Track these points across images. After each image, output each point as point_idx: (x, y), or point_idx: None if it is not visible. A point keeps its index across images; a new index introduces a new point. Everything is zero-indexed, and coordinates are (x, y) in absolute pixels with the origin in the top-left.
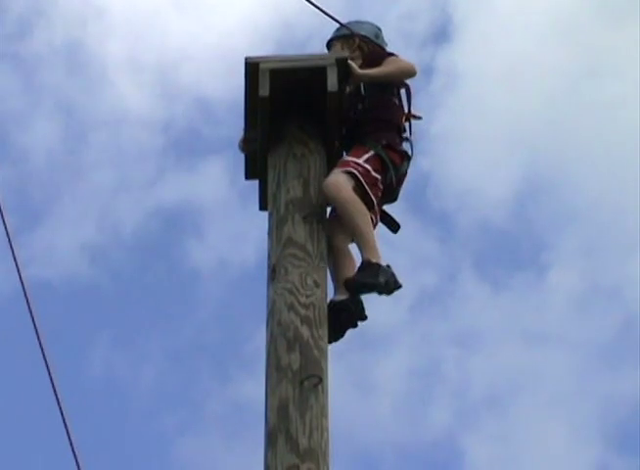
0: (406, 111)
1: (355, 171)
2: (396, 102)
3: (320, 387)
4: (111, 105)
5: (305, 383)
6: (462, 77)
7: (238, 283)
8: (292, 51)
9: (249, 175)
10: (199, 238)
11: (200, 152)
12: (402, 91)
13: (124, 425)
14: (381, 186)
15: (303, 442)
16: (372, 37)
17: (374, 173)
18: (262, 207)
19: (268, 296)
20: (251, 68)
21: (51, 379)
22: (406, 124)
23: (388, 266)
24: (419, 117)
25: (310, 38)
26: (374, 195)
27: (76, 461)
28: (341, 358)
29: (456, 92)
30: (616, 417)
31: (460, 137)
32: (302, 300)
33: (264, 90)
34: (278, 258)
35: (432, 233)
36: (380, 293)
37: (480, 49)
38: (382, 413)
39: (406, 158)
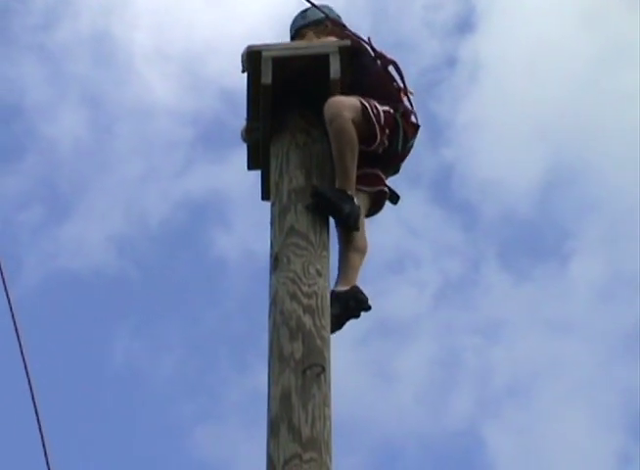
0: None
1: (368, 106)
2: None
3: (323, 376)
4: (137, 95)
5: (308, 372)
6: (486, 67)
7: (263, 273)
8: None
9: (251, 166)
10: (225, 228)
11: (226, 143)
12: (390, 68)
13: (143, 412)
14: (386, 142)
15: (306, 431)
16: (336, 18)
17: (383, 124)
18: (265, 196)
19: (270, 285)
20: (254, 56)
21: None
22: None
23: (359, 207)
24: (411, 94)
25: None
26: (379, 137)
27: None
28: (362, 348)
29: (480, 82)
30: (638, 407)
31: (484, 127)
32: (305, 289)
33: (267, 78)
34: (280, 247)
35: (456, 223)
36: (337, 222)
37: (504, 39)
38: (403, 403)
39: (416, 132)
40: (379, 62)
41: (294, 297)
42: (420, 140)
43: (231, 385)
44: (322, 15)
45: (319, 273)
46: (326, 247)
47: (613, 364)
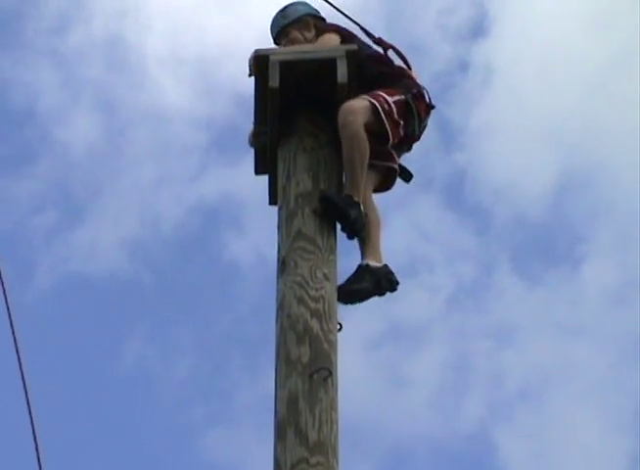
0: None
1: (379, 106)
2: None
3: (330, 380)
4: (151, 100)
5: (315, 376)
6: (498, 72)
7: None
8: None
9: (258, 170)
10: (238, 232)
11: (240, 147)
12: (390, 52)
13: (155, 415)
14: (401, 132)
15: (313, 435)
16: (315, 12)
17: (396, 117)
18: (272, 201)
19: (278, 289)
20: (261, 59)
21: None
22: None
23: (366, 215)
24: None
25: None
26: (393, 136)
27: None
28: (374, 351)
29: (492, 87)
30: None
31: (496, 131)
32: (312, 293)
33: (274, 81)
34: (288, 251)
35: (468, 227)
36: (343, 227)
37: (516, 43)
38: (415, 407)
39: (430, 111)
40: (376, 48)
41: (301, 301)
42: (432, 145)
43: (242, 388)
44: (303, 11)
45: (326, 277)
46: (333, 251)
47: (624, 368)
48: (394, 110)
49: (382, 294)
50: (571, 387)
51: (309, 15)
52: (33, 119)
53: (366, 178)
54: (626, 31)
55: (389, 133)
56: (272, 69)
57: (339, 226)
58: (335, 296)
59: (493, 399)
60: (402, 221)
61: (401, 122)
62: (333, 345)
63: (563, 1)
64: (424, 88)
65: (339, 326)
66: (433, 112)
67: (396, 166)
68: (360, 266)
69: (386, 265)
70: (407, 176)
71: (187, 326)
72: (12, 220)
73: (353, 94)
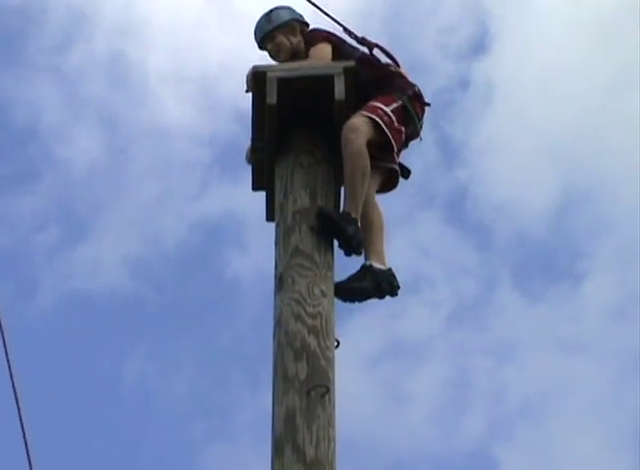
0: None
1: (379, 120)
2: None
3: (327, 397)
4: (153, 117)
5: (312, 393)
6: (499, 89)
7: None
8: None
9: (255, 186)
10: (240, 249)
11: (242, 164)
12: (376, 51)
13: (155, 432)
14: (403, 137)
15: (310, 452)
16: (300, 17)
17: (397, 125)
18: (269, 217)
19: (275, 306)
20: (259, 76)
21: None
22: None
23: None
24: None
25: None
26: (396, 142)
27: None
28: (375, 368)
29: (493, 104)
30: None
31: (497, 149)
32: (309, 310)
33: (272, 98)
34: (285, 267)
35: (470, 243)
36: (341, 244)
37: (517, 60)
38: (415, 423)
39: (425, 108)
40: (362, 49)
41: (298, 317)
42: (434, 161)
43: (242, 405)
44: (287, 16)
45: (324, 294)
46: (331, 267)
47: (625, 384)
48: (394, 119)
49: (381, 296)
50: (571, 403)
51: (294, 19)
52: (36, 137)
53: (370, 180)
54: (626, 49)
55: (393, 143)
56: (269, 85)
57: (336, 243)
58: (332, 312)
59: (494, 416)
60: (404, 238)
61: (402, 129)
62: (330, 361)
63: (563, 19)
64: (416, 86)
65: (336, 343)
66: (430, 110)
67: (397, 167)
68: (363, 266)
69: (390, 269)
70: (405, 173)
71: (187, 343)
72: (14, 237)
73: (351, 110)
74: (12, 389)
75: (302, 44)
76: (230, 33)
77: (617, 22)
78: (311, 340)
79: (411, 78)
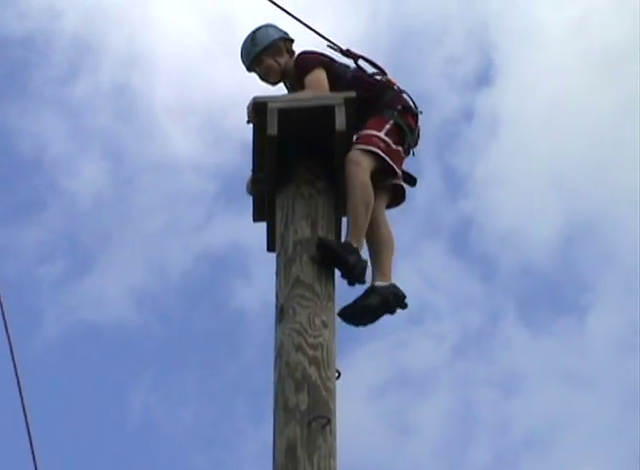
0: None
1: (378, 150)
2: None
3: (328, 428)
4: (159, 149)
5: (313, 424)
6: (504, 120)
7: None
8: None
9: (256, 217)
10: (245, 280)
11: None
12: (361, 62)
13: (159, 464)
14: (403, 155)
15: None
16: (285, 35)
17: (394, 146)
18: (270, 248)
19: (276, 336)
20: (260, 107)
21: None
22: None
23: (366, 261)
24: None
25: None
26: (397, 165)
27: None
28: (380, 399)
29: (498, 135)
30: None
31: (502, 180)
32: (310, 340)
33: (272, 129)
34: (286, 298)
35: (475, 275)
36: (343, 274)
37: (522, 92)
38: (420, 455)
39: (418, 117)
40: (350, 64)
41: (299, 348)
42: (438, 193)
43: (247, 437)
44: (273, 36)
45: (325, 325)
46: (332, 298)
47: (630, 417)
48: (390, 142)
49: (392, 311)
50: (576, 436)
51: (280, 39)
52: (41, 168)
53: (377, 199)
54: (631, 81)
55: (394, 166)
56: (270, 116)
57: (337, 273)
58: (334, 343)
59: (499, 448)
60: (408, 268)
61: (400, 148)
62: (331, 392)
63: (567, 51)
64: (404, 92)
65: (337, 374)
66: (422, 116)
67: (401, 182)
68: (367, 289)
69: (393, 284)
70: (412, 181)
71: (192, 374)
72: (20, 268)
73: (351, 139)
74: (24, 420)
75: (291, 63)
76: (236, 65)
77: (621, 54)
78: (312, 371)
79: (400, 84)
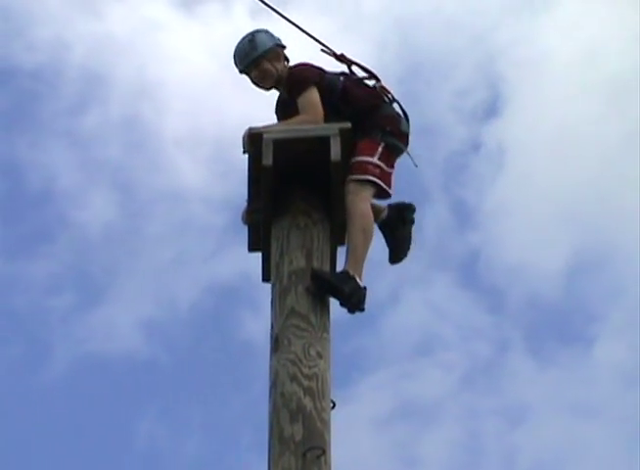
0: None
1: (374, 178)
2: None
3: (323, 459)
4: (168, 180)
5: (308, 455)
6: (511, 152)
7: None
8: None
9: (252, 247)
10: (254, 312)
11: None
12: (355, 68)
13: None
14: (393, 175)
15: None
16: (279, 41)
17: (387, 169)
18: (265, 278)
19: (271, 366)
20: (255, 138)
21: None
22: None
23: (365, 288)
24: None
25: None
26: (389, 186)
27: None
28: (385, 429)
29: (505, 167)
30: None
31: (510, 212)
32: (305, 371)
33: (267, 160)
34: (281, 328)
35: (483, 306)
36: (341, 303)
37: (529, 124)
38: None
39: (407, 135)
40: (342, 78)
41: (294, 379)
42: (447, 224)
43: (251, 468)
44: (271, 42)
45: (320, 355)
46: (327, 329)
47: (637, 448)
48: (383, 166)
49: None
50: (583, 467)
51: (277, 45)
52: (50, 200)
53: (364, 192)
54: (638, 112)
55: (388, 190)
56: (266, 147)
57: (335, 303)
58: (328, 373)
59: None
60: (417, 299)
61: (392, 171)
62: (326, 423)
63: (574, 83)
64: (395, 101)
65: (332, 404)
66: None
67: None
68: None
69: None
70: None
71: (198, 405)
72: (29, 300)
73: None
74: None
75: (285, 70)
76: (245, 96)
77: (628, 84)
78: (307, 401)
79: (391, 90)
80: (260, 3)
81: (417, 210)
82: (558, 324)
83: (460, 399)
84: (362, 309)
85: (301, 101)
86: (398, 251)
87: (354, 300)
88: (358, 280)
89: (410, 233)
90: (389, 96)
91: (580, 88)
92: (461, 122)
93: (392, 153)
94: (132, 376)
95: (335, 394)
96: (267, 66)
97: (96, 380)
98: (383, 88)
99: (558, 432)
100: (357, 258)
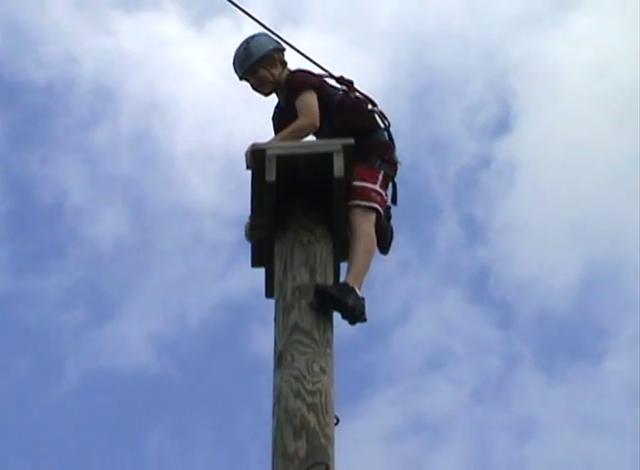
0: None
1: (377, 206)
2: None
3: None
4: (179, 196)
5: None
6: (521, 168)
7: None
8: None
9: (255, 263)
10: (264, 328)
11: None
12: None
13: None
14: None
15: None
16: (278, 45)
17: (385, 196)
18: (269, 294)
19: (274, 383)
20: (258, 154)
21: None
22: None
23: (363, 299)
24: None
25: None
26: (384, 210)
27: None
28: (394, 444)
29: (516, 182)
30: None
31: (520, 227)
32: (309, 387)
33: (271, 176)
34: (284, 344)
35: (493, 321)
36: (343, 315)
37: (540, 138)
38: None
39: (396, 165)
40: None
41: (297, 394)
42: (457, 240)
43: None
44: (267, 47)
45: (323, 371)
46: (330, 344)
47: None
48: (384, 193)
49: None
50: None
51: (274, 49)
52: (61, 216)
53: (369, 216)
54: None
55: (383, 218)
56: (269, 163)
57: (336, 317)
58: (332, 389)
59: None
60: (428, 314)
61: (388, 198)
62: (330, 439)
63: (586, 97)
64: (389, 127)
65: (336, 420)
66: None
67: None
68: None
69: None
70: (394, 200)
71: (208, 420)
72: (41, 316)
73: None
74: None
75: (284, 74)
76: (255, 111)
77: (638, 98)
78: (311, 417)
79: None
80: (254, 21)
81: (428, 225)
82: (568, 339)
83: (470, 414)
84: (364, 320)
85: (299, 103)
86: (386, 243)
87: (357, 312)
88: (358, 291)
89: (391, 227)
90: (386, 122)
91: (591, 103)
92: (472, 138)
93: (388, 182)
94: (143, 391)
95: (346, 409)
96: (263, 72)
97: (107, 395)
98: (382, 113)
99: (567, 447)
100: (358, 273)
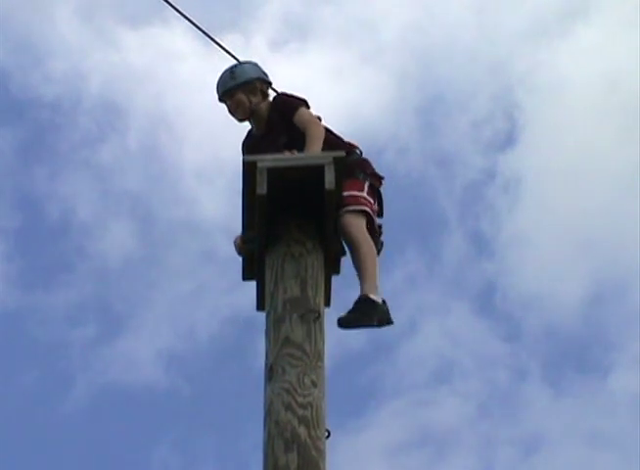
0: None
1: (368, 209)
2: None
3: None
4: (187, 211)
5: None
6: (527, 181)
7: None
8: None
9: (246, 276)
10: None
11: None
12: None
13: None
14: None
15: None
16: (264, 76)
17: (374, 204)
18: (259, 307)
19: (265, 395)
20: (249, 166)
21: None
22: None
23: (384, 302)
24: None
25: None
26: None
27: None
28: (400, 457)
29: (522, 196)
30: None
31: (527, 241)
32: (300, 400)
33: (262, 188)
34: (275, 357)
35: (500, 335)
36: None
37: (546, 151)
38: None
39: (381, 179)
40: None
41: (288, 408)
42: (464, 254)
43: None
44: (252, 75)
45: (314, 384)
46: (321, 357)
47: None
48: (371, 200)
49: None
50: None
51: (258, 79)
52: (70, 231)
53: (360, 220)
54: None
55: (375, 220)
56: (260, 176)
57: (327, 329)
58: (323, 402)
59: None
60: (434, 327)
61: (377, 208)
62: (321, 452)
63: (591, 109)
64: (368, 162)
65: (327, 433)
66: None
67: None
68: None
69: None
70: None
71: (215, 435)
72: (51, 331)
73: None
74: None
75: (263, 105)
76: None
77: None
78: (302, 430)
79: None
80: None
81: (434, 239)
82: (575, 354)
83: (476, 428)
84: (391, 323)
85: (299, 119)
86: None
87: (385, 320)
88: (376, 298)
89: (382, 241)
90: (359, 151)
91: (598, 116)
92: (478, 152)
93: (374, 193)
94: (150, 406)
95: (353, 422)
96: (241, 97)
97: (115, 410)
98: (352, 144)
99: (573, 461)
100: (370, 278)
